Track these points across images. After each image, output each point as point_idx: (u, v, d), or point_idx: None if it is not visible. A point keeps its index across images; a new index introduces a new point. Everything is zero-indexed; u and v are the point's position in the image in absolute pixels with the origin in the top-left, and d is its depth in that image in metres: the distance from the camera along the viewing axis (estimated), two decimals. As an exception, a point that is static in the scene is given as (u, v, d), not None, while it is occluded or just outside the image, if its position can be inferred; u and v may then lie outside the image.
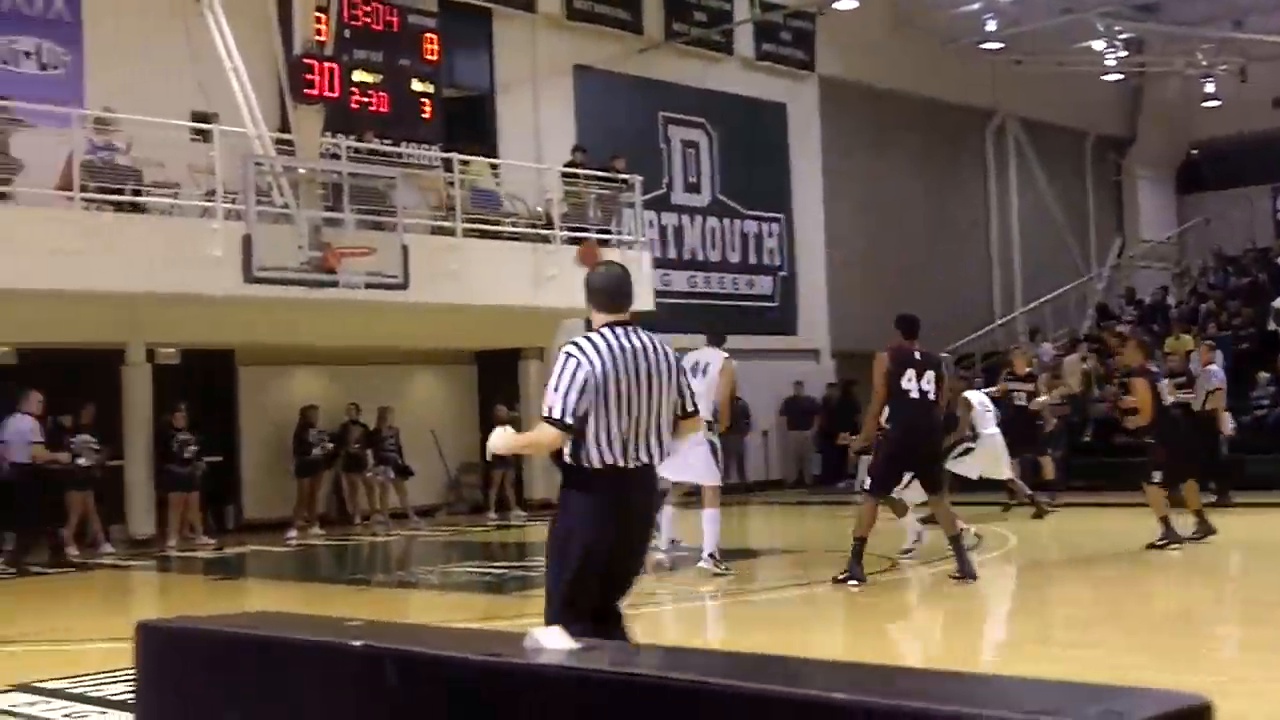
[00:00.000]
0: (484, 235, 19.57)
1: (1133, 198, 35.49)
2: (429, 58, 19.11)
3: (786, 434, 25.92)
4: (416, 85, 18.80)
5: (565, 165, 21.15)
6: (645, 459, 5.54)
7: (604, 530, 5.45)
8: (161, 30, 16.81)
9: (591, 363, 5.44)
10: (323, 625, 3.18)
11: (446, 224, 18.82)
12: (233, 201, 16.09)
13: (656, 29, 24.51)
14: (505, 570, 13.80)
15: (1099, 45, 28.98)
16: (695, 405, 5.82)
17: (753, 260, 26.34)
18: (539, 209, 20.66)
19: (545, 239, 20.08)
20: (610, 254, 20.97)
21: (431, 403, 21.80)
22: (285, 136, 16.99)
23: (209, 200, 16.40)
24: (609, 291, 5.73)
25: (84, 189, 15.57)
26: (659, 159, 24.60)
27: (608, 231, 21.19)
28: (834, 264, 27.45)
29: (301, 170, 16.04)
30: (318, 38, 16.29)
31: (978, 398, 16.55)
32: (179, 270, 15.82)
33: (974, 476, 16.12)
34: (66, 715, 7.05)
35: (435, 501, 21.33)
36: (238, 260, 15.16)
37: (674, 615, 10.75)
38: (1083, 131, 33.60)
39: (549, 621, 5.29)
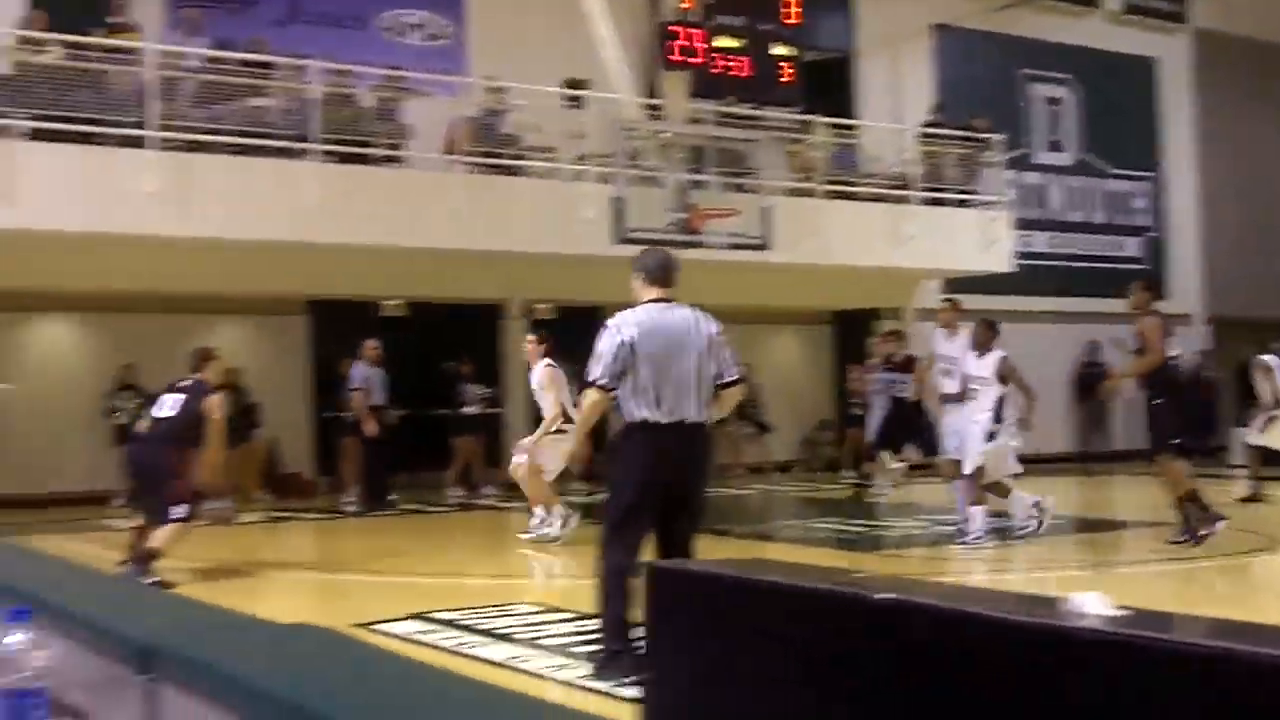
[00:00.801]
0: (843, 196, 19.72)
1: None
2: (789, 21, 19.29)
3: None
4: (777, 49, 19.01)
5: (924, 125, 21.05)
6: (680, 416, 6.29)
7: (640, 474, 6.34)
8: (538, 1, 17.60)
9: (624, 333, 6.27)
10: (831, 575, 3.25)
11: (806, 185, 19.08)
12: (604, 165, 16.80)
13: (1019, -16, 24.01)
14: (863, 528, 13.86)
15: None
16: (736, 376, 6.50)
17: (1119, 220, 25.52)
18: (897, 169, 20.66)
19: (903, 199, 20.08)
20: (969, 215, 20.83)
21: (789, 361, 22.15)
22: (654, 102, 17.56)
23: (582, 164, 17.15)
24: (653, 272, 6.49)
25: (466, 154, 16.52)
26: (1020, 117, 24.14)
27: (967, 192, 20.98)
28: (1209, 225, 26.29)
29: (668, 134, 16.57)
30: (684, 5, 16.78)
31: (1277, 362, 15.83)
32: (553, 231, 16.57)
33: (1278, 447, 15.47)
34: (459, 644, 7.48)
35: (791, 458, 21.70)
36: (608, 222, 15.74)
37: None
38: None
39: (600, 546, 6.39)
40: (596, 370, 6.32)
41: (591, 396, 6.39)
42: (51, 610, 2.34)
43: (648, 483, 6.36)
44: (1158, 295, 11.44)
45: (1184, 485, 10.96)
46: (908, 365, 15.98)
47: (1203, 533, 10.76)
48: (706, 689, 3.23)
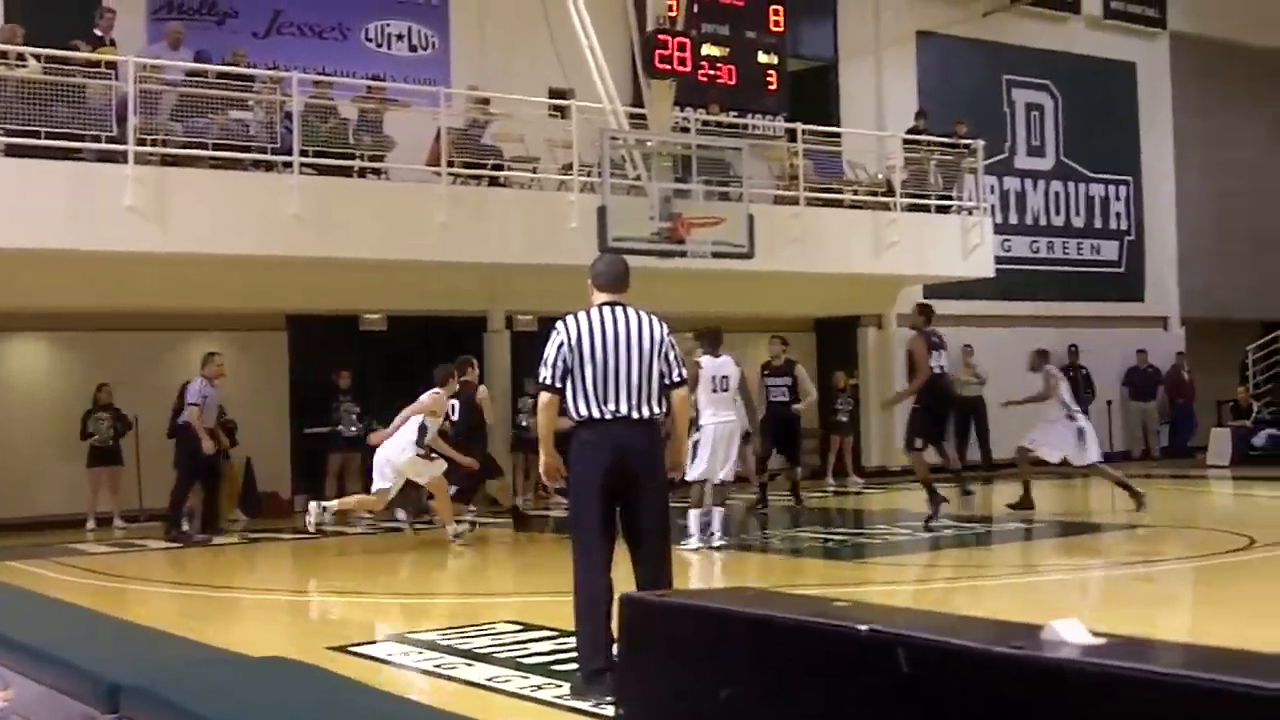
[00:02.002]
0: (826, 204, 19.64)
1: None
2: (774, 29, 19.20)
3: (1129, 404, 25.09)
4: (762, 57, 18.92)
5: (907, 132, 20.97)
6: (624, 412, 6.50)
7: (588, 467, 6.51)
8: (522, 10, 17.39)
9: (568, 335, 6.54)
10: (814, 605, 3.16)
11: (790, 193, 18.98)
12: (588, 175, 16.62)
13: (1002, -9, 23.93)
14: (845, 536, 13.91)
15: None
16: (681, 378, 6.74)
17: (1098, 224, 25.53)
18: (880, 176, 20.58)
19: (886, 206, 20.01)
20: (950, 221, 20.76)
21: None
22: (638, 111, 17.39)
23: (566, 174, 16.96)
24: (604, 276, 6.76)
25: (450, 164, 16.31)
26: (1002, 123, 24.11)
27: (949, 197, 20.93)
28: (1185, 228, 26.32)
29: (651, 143, 16.40)
30: (670, 13, 16.56)
31: None
32: (537, 241, 16.41)
33: None
34: (438, 665, 7.42)
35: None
36: (593, 231, 15.51)
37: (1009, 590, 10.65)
38: None
39: (572, 561, 6.56)
40: (544, 372, 6.57)
41: (542, 398, 6.61)
42: (16, 647, 2.19)
43: (600, 478, 6.49)
44: (929, 319, 13.99)
45: (925, 474, 13.76)
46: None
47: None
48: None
